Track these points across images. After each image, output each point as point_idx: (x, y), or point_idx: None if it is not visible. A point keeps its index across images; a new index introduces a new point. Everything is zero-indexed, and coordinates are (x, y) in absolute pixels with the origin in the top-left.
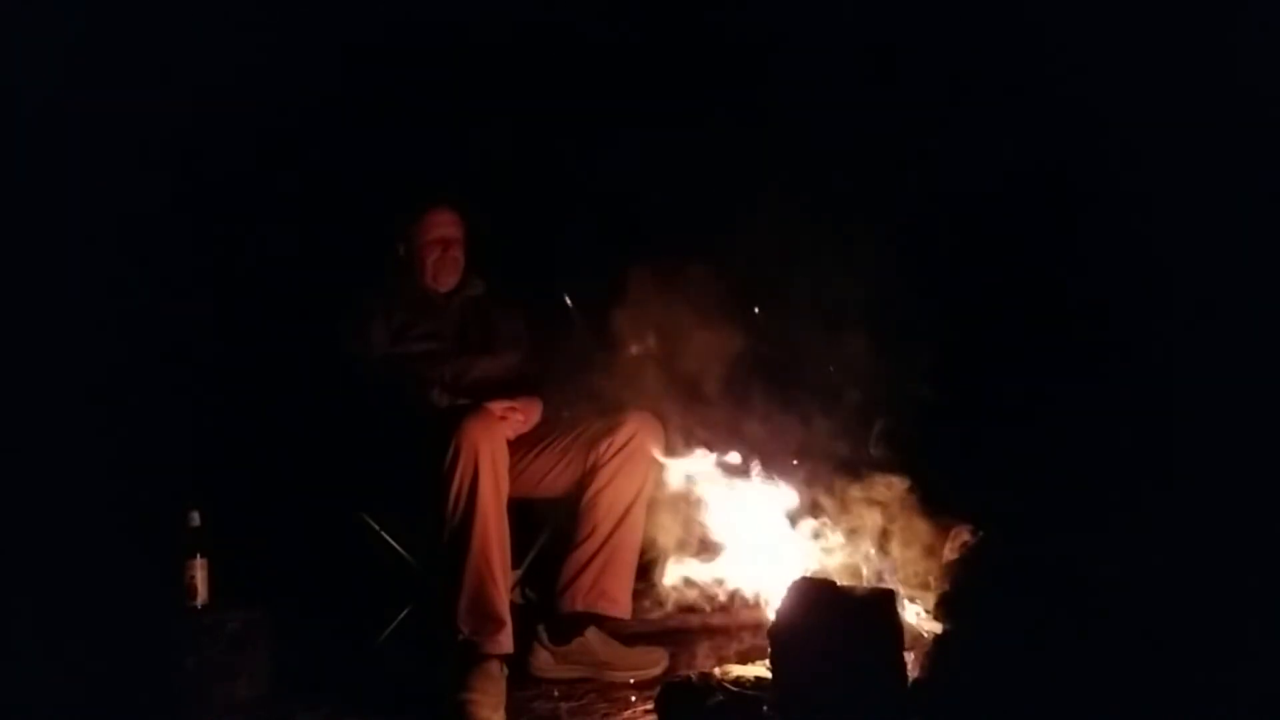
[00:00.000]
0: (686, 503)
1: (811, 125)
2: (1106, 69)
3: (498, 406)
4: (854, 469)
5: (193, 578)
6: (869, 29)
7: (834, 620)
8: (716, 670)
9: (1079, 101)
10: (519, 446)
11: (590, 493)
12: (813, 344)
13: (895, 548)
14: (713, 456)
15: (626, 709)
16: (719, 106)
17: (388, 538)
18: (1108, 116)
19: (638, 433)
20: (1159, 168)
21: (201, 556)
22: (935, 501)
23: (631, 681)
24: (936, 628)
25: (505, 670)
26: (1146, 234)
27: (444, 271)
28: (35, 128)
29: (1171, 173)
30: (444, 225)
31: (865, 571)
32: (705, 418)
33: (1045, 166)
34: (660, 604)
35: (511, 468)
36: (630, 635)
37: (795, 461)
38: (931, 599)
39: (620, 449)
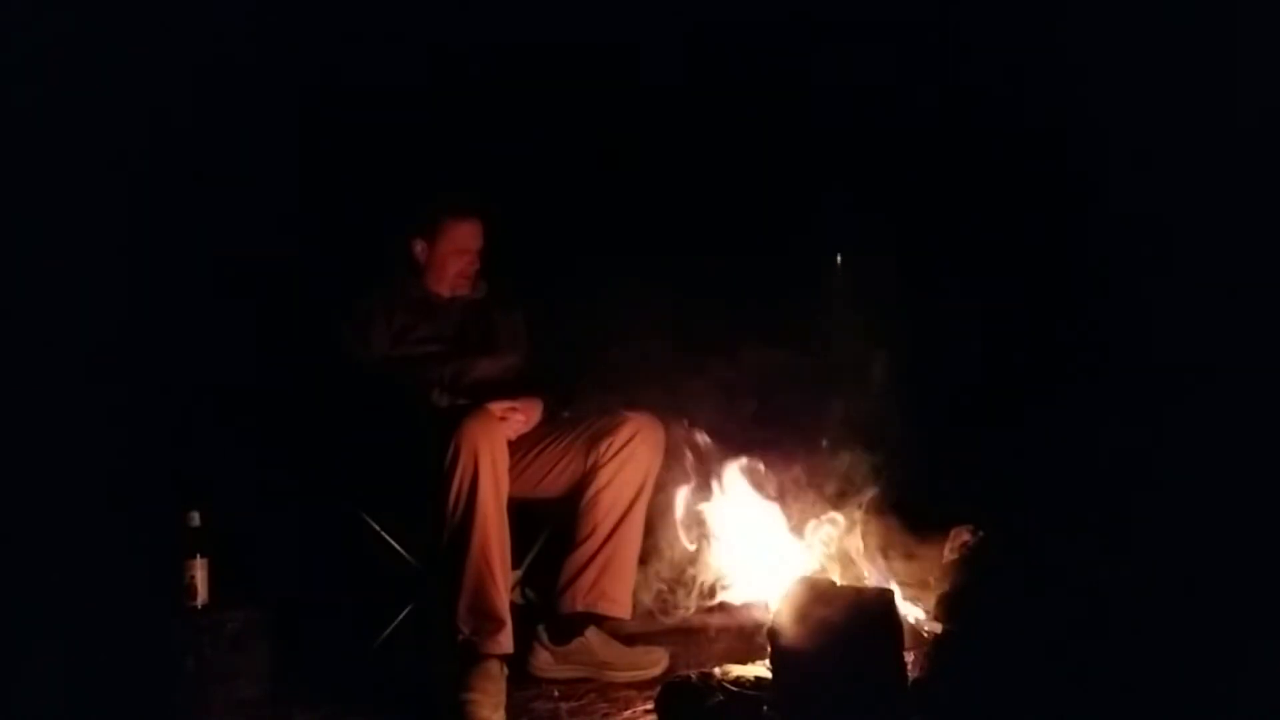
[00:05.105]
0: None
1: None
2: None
3: (498, 407)
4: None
5: (193, 578)
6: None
7: (834, 620)
8: (716, 670)
9: (1076, 109)
10: (519, 446)
11: (590, 493)
12: (813, 346)
13: (895, 549)
14: (714, 456)
15: (626, 709)
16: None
17: (388, 538)
18: (1107, 124)
19: (638, 433)
20: (1163, 171)
21: (201, 556)
22: (936, 503)
23: (631, 681)
24: (936, 628)
25: (505, 670)
26: (1149, 233)
27: (463, 281)
28: (32, 124)
29: (1175, 176)
30: (474, 236)
31: (865, 572)
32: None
33: (1045, 172)
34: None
35: (511, 468)
36: (630, 635)
37: (795, 462)
38: (931, 599)
39: (620, 449)
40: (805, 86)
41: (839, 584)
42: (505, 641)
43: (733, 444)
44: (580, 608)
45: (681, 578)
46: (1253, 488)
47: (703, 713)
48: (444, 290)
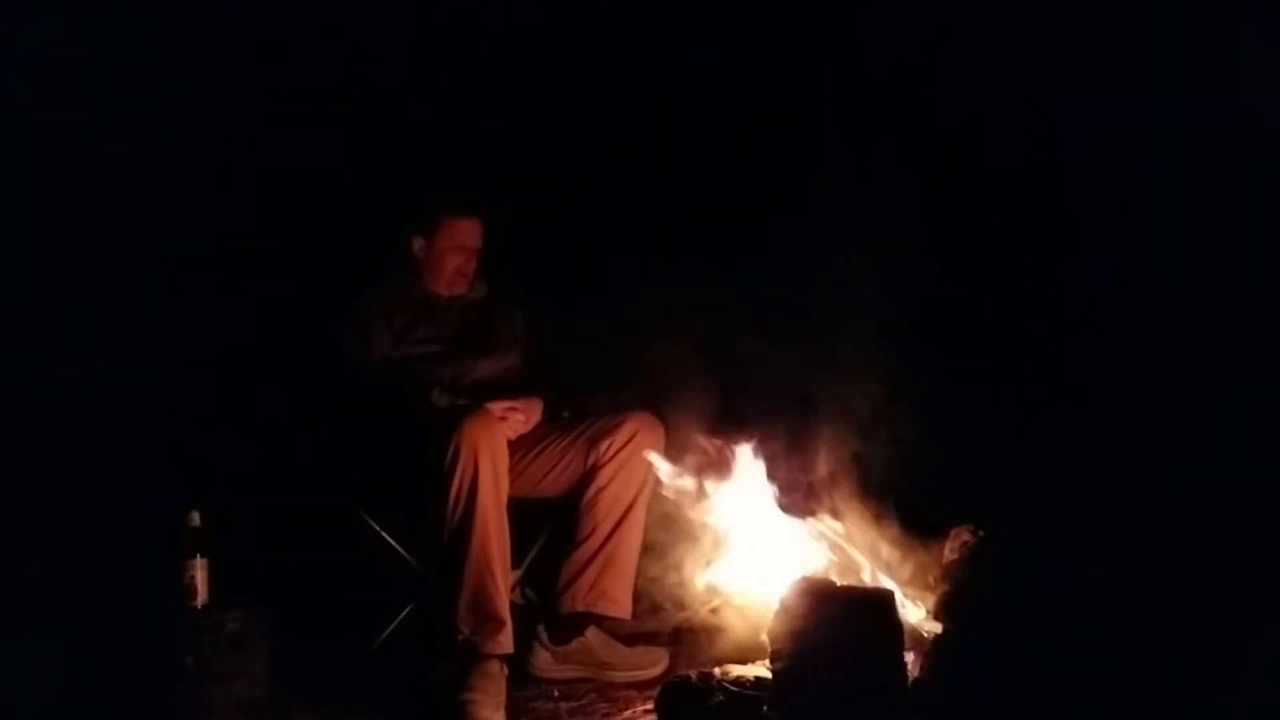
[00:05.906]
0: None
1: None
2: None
3: (498, 406)
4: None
5: (193, 578)
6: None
7: (834, 620)
8: (716, 670)
9: (1073, 107)
10: (519, 446)
11: (590, 493)
12: (811, 344)
13: (894, 549)
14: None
15: (626, 709)
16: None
17: (388, 538)
18: (1104, 121)
19: (638, 433)
20: (1160, 169)
21: (201, 556)
22: (935, 502)
23: (631, 681)
24: (936, 628)
25: (505, 670)
26: (1150, 232)
27: (461, 279)
28: (31, 124)
29: (1171, 174)
30: (473, 234)
31: (865, 572)
32: (706, 418)
33: (1042, 169)
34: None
35: (511, 468)
36: (630, 635)
37: (795, 462)
38: (931, 599)
39: (620, 449)
40: (808, 85)
41: (839, 584)
42: (505, 641)
43: (732, 442)
44: (580, 607)
45: (682, 577)
46: (1254, 485)
47: (703, 713)
48: (442, 289)
